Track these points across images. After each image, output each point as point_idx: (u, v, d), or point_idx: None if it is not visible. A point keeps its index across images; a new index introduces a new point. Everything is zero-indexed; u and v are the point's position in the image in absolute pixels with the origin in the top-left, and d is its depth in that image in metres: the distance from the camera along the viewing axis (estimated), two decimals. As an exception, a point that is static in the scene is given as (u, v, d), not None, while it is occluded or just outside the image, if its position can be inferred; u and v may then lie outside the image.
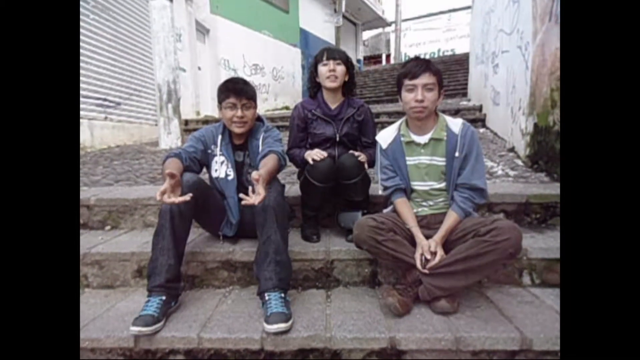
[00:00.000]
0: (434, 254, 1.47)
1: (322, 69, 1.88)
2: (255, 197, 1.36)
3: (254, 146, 1.79)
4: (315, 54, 1.96)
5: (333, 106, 1.95)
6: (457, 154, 1.56)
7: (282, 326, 1.32)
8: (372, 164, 1.87)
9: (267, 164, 1.57)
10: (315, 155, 1.77)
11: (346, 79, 1.93)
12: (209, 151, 1.80)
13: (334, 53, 1.88)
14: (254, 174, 1.39)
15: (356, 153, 1.82)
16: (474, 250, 1.38)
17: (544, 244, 1.73)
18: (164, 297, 1.44)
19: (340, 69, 1.88)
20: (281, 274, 1.48)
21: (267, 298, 1.43)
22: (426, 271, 1.45)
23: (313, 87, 2.01)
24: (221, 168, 1.79)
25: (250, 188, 1.40)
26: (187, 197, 1.40)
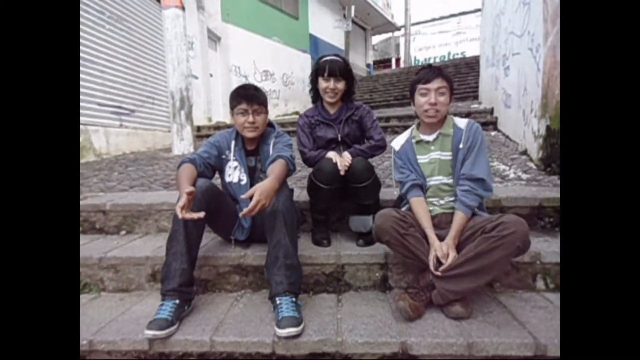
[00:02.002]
0: (446, 255, 1.47)
1: (323, 84, 1.92)
2: (245, 210, 1.40)
3: (264, 151, 1.82)
4: (317, 62, 1.98)
5: (332, 111, 2.01)
6: (461, 146, 1.59)
7: (293, 330, 1.33)
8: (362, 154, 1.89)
9: (275, 169, 1.59)
10: (338, 159, 1.79)
11: (345, 88, 1.97)
12: (223, 156, 1.83)
13: (335, 70, 1.89)
14: (248, 192, 1.42)
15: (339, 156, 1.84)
16: (482, 247, 1.39)
17: (557, 248, 1.70)
18: (177, 301, 1.47)
19: (341, 85, 1.92)
20: (291, 277, 1.49)
21: (278, 302, 1.44)
22: (439, 273, 1.45)
23: (314, 94, 2.06)
24: (234, 173, 1.82)
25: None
26: (201, 214, 1.43)
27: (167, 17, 4.47)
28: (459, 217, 1.53)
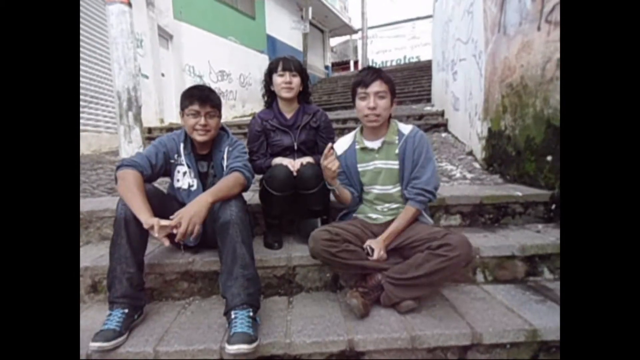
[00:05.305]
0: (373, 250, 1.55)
1: (278, 79, 1.90)
2: (178, 236, 1.40)
3: (218, 158, 1.74)
4: (270, 62, 1.98)
5: (289, 115, 1.97)
6: (407, 155, 1.61)
7: (243, 347, 1.23)
8: None
9: (220, 183, 1.56)
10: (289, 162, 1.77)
11: (301, 88, 1.96)
12: (172, 161, 1.73)
13: (290, 64, 1.89)
14: (173, 221, 1.40)
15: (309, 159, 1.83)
16: (431, 266, 1.41)
17: (495, 243, 1.82)
18: (126, 310, 1.39)
19: (296, 80, 1.91)
20: (249, 289, 1.40)
21: (233, 317, 1.33)
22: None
23: (268, 95, 2.03)
24: (184, 179, 1.73)
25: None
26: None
27: (112, 13, 4.23)
28: (408, 211, 1.59)
